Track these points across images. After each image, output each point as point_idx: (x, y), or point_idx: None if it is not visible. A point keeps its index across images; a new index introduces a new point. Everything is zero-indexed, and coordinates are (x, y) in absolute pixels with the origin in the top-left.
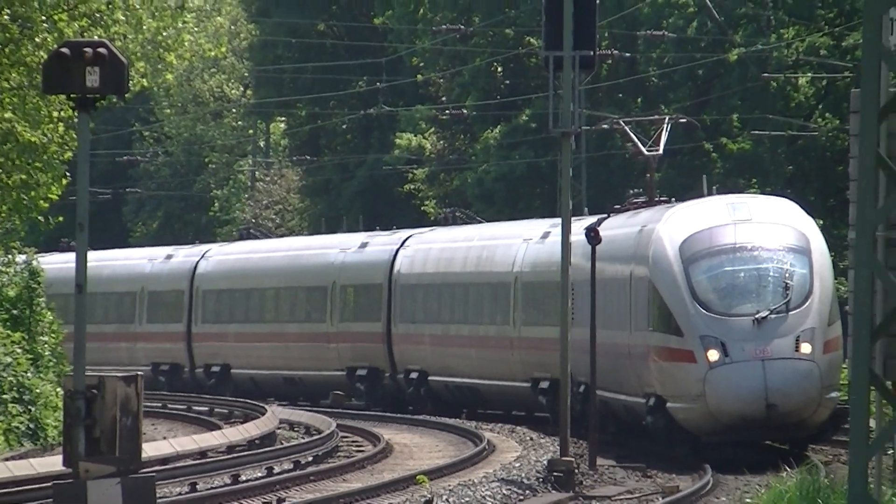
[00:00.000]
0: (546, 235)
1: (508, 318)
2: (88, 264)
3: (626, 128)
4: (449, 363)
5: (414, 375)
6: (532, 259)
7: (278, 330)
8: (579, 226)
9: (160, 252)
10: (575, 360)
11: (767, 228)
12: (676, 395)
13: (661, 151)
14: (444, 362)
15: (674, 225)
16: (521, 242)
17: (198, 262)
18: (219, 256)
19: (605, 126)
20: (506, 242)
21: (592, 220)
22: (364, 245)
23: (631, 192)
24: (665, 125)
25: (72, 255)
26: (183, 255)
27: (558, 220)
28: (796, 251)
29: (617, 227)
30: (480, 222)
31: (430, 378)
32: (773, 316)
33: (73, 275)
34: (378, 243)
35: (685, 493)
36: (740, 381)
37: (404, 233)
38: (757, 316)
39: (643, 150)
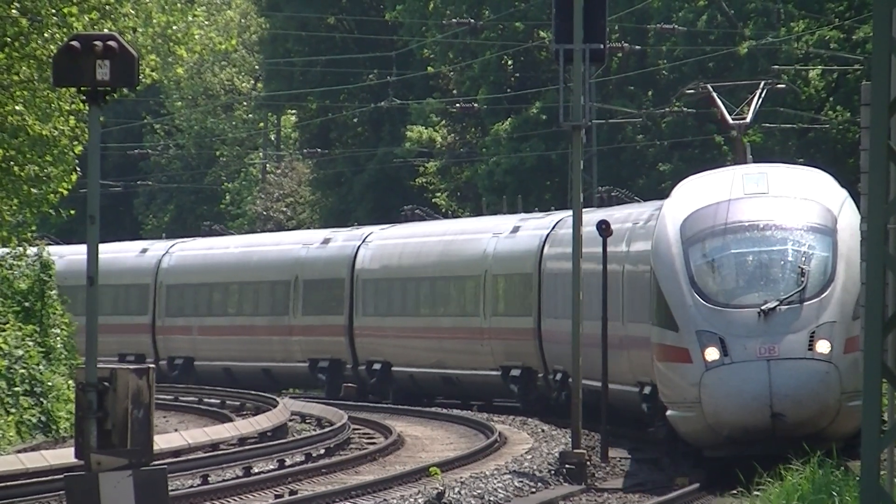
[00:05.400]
0: (650, 219)
1: (619, 314)
2: (236, 250)
3: (714, 94)
4: (583, 363)
5: (559, 377)
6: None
7: (434, 324)
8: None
9: (316, 236)
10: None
11: (785, 203)
12: (674, 400)
13: (748, 120)
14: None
15: (678, 201)
16: (630, 225)
17: (358, 248)
18: (379, 241)
19: (691, 90)
20: (617, 227)
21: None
22: (516, 229)
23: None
24: (759, 91)
25: (196, 243)
26: (342, 240)
27: (658, 204)
28: (818, 230)
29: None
30: (637, 201)
31: (570, 380)
32: (783, 307)
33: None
34: (529, 227)
35: (696, 487)
36: (741, 386)
37: (557, 215)
38: (763, 307)
39: (729, 118)
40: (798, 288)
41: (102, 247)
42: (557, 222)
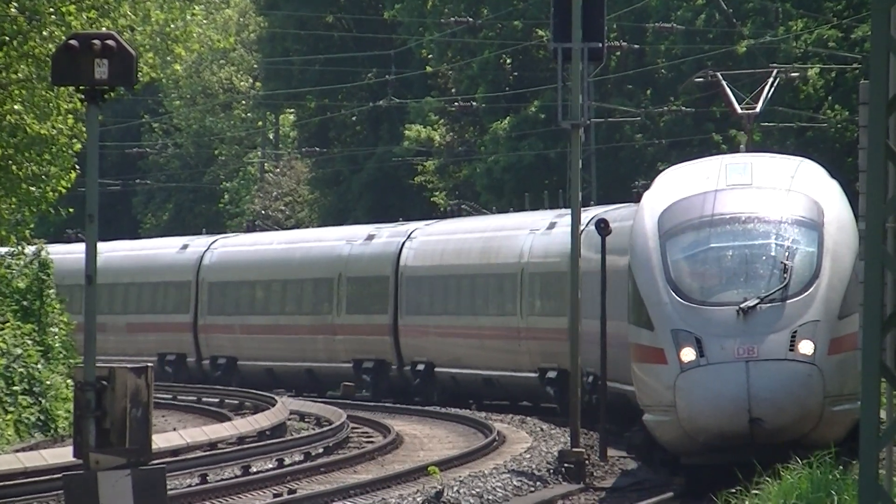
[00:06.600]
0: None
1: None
2: (279, 246)
3: (723, 82)
4: (619, 367)
5: (590, 379)
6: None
7: (474, 323)
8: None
9: (360, 232)
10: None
11: (769, 195)
12: (649, 404)
13: (758, 110)
14: (612, 365)
15: (657, 192)
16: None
17: (403, 244)
18: (423, 237)
19: (700, 79)
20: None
21: None
22: (552, 226)
23: None
24: (770, 80)
25: (236, 239)
26: (386, 236)
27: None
28: (803, 224)
29: None
30: None
31: (600, 383)
32: (763, 305)
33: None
34: (565, 224)
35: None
36: (717, 388)
37: (593, 210)
38: (742, 305)
39: (737, 107)
40: (780, 285)
41: (143, 243)
42: (591, 219)
